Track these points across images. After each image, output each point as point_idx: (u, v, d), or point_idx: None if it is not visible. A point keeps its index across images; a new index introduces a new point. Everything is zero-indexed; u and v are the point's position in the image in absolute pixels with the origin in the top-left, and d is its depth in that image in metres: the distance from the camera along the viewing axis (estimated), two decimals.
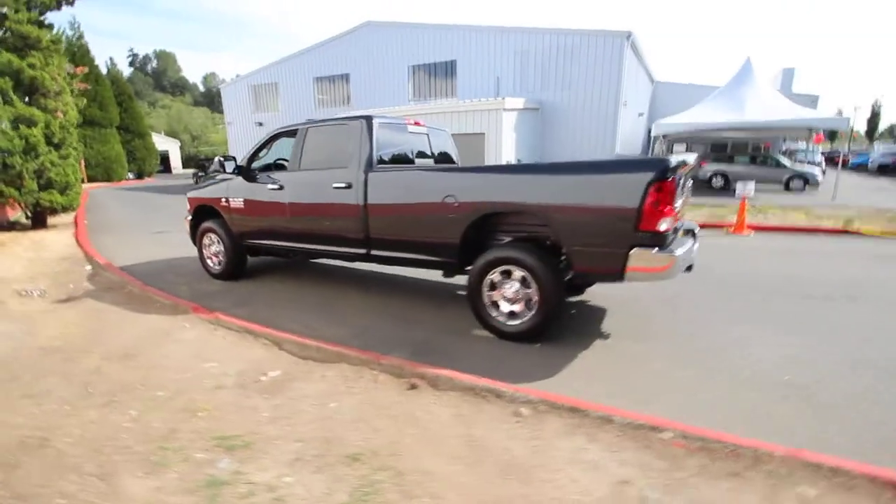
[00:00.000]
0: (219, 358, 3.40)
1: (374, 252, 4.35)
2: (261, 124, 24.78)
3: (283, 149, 5.56)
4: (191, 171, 40.77)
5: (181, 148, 44.87)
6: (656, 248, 3.02)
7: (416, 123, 5.00)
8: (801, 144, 25.97)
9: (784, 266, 5.90)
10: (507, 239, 3.87)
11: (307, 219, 4.73)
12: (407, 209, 4.02)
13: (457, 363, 3.20)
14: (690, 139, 25.53)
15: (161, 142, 37.35)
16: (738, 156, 19.52)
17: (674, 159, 3.00)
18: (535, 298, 3.48)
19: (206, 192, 5.71)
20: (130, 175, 27.87)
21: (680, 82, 26.45)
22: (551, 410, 2.51)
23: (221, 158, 5.07)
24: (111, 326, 4.09)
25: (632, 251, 3.06)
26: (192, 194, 5.93)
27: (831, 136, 31.56)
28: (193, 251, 6.60)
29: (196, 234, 5.86)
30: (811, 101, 24.06)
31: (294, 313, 4.45)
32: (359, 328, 4.02)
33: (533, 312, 3.52)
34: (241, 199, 5.22)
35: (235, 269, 5.64)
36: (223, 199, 5.41)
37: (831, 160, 28.76)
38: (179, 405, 2.71)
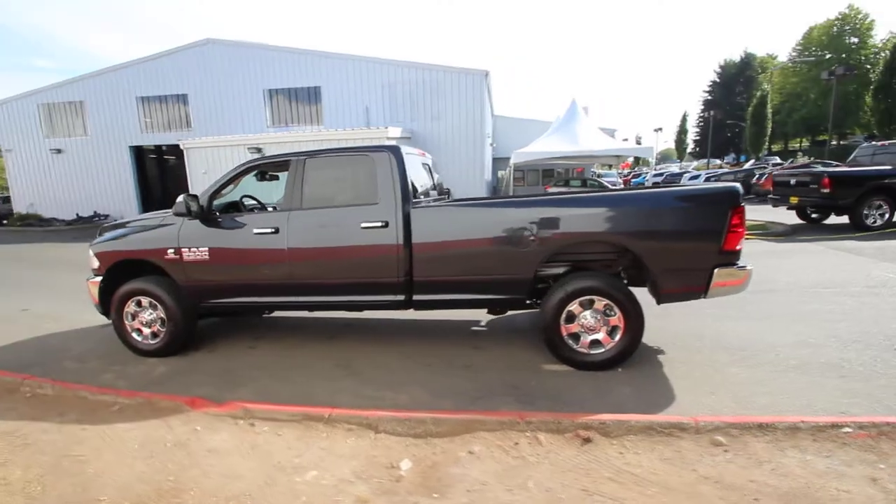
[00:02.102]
0: (307, 463, 2.55)
1: (417, 297, 3.85)
2: (59, 151, 19.63)
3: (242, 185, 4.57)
4: None
5: None
6: (734, 265, 3.41)
7: (422, 154, 4.68)
8: (600, 169, 32.70)
9: None
10: (562, 268, 3.87)
11: (319, 266, 3.94)
12: (468, 246, 3.68)
13: (576, 404, 3.07)
14: (525, 166, 29.45)
15: None
16: (572, 180, 23.13)
17: (738, 185, 3.45)
18: (620, 325, 3.55)
19: (136, 242, 4.28)
20: None
21: (513, 116, 30.22)
22: (743, 432, 2.58)
23: (187, 197, 3.90)
24: (74, 454, 2.69)
25: (715, 270, 3.38)
26: (103, 247, 4.35)
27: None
28: (53, 325, 5.09)
29: (110, 301, 4.30)
30: (611, 133, 30.04)
31: (324, 382, 3.63)
32: (429, 385, 3.48)
33: (617, 340, 3.57)
34: (205, 249, 4.06)
35: (181, 340, 4.31)
36: (170, 251, 4.12)
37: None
38: None
